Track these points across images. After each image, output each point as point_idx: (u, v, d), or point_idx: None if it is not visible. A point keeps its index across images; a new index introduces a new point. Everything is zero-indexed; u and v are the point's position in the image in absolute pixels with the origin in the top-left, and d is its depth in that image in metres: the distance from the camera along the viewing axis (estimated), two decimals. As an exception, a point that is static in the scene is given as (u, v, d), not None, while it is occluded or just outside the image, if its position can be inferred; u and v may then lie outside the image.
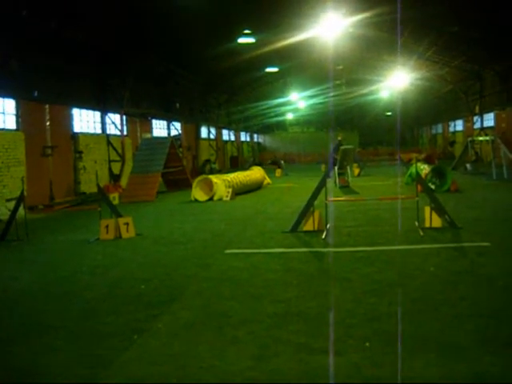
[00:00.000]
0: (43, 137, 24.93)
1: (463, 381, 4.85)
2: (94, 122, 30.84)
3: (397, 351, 5.49)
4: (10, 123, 22.78)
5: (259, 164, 44.24)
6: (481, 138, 35.83)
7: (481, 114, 49.17)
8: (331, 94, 60.40)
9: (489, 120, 48.10)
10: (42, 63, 23.98)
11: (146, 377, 5.24)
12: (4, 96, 22.19)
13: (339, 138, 35.12)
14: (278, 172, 39.23)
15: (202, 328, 6.50)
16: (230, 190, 22.50)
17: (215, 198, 22.29)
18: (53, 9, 22.42)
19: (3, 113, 22.35)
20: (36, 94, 24.16)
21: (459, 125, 58.05)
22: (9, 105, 22.71)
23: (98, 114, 31.11)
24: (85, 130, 29.42)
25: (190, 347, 5.91)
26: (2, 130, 21.85)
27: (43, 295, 8.52)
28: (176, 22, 27.74)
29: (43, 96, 24.68)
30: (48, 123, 25.22)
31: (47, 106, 25.19)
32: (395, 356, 5.37)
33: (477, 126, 49.95)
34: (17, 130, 22.94)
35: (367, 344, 5.74)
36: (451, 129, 61.37)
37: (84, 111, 29.55)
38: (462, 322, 6.31)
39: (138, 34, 28.41)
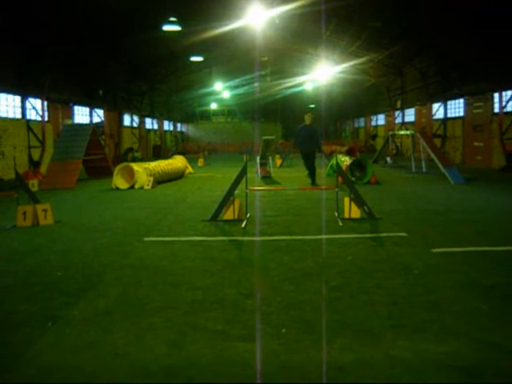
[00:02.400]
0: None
1: (377, 364, 4.95)
2: (14, 107, 30.16)
3: (313, 337, 5.57)
4: None
5: (182, 153, 44.09)
6: (401, 133, 36.54)
7: (402, 109, 50.19)
8: (256, 85, 60.66)
9: (410, 115, 49.13)
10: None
11: (60, 365, 5.14)
12: None
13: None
14: (201, 162, 39.20)
15: (118, 315, 6.43)
16: (152, 178, 22.36)
17: (136, 186, 22.12)
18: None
19: None
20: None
21: (381, 119, 59.13)
22: None
23: (18, 98, 30.45)
24: (3, 115, 28.76)
25: (105, 335, 5.83)
26: None
27: (-45, 281, 8.30)
28: (99, 6, 27.36)
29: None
30: (-36, 106, 24.61)
31: (-36, 89, 24.58)
32: (311, 342, 5.45)
33: (398, 120, 50.98)
34: None
35: (283, 330, 5.78)
36: (373, 123, 62.48)
37: (3, 95, 28.87)
38: (377, 309, 6.44)
39: (60, 18, 27.92)
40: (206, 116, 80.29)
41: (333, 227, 11.93)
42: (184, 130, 79.73)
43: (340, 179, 13.89)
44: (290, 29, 38.70)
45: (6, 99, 29.34)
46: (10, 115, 29.63)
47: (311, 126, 21.77)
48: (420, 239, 10.48)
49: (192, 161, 34.32)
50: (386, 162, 34.36)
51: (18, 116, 30.50)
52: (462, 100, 37.48)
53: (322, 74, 52.46)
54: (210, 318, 6.23)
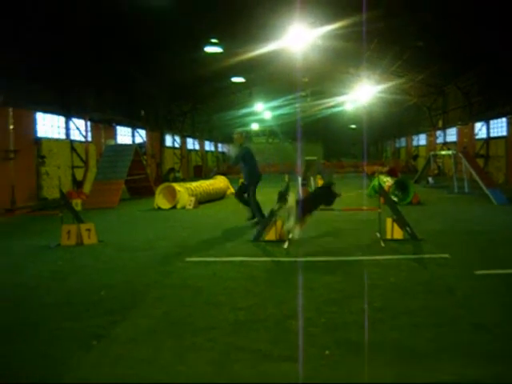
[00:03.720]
0: (6, 141, 24.66)
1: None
2: (58, 127, 30.58)
3: (356, 359, 5.54)
4: (-28, 127, 22.57)
5: (223, 174, 44.22)
6: (443, 153, 36.19)
7: (444, 129, 49.77)
8: (296, 106, 60.69)
9: (452, 135, 48.65)
10: (7, 67, 23.74)
11: (106, 380, 5.21)
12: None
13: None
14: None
15: (161, 335, 6.47)
16: (193, 198, 22.45)
17: (178, 206, 22.23)
18: (16, 13, 22.30)
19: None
20: (1, 98, 23.91)
21: (422, 139, 58.65)
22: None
23: (62, 119, 30.86)
24: (48, 135, 29.17)
25: (149, 353, 5.87)
26: (-36, 133, 21.63)
27: (1, 299, 8.41)
28: (143, 29, 27.70)
29: (6, 100, 24.42)
30: (11, 127, 24.96)
31: (11, 110, 24.92)
32: (355, 363, 5.42)
33: (439, 140, 50.54)
34: (-21, 133, 22.74)
35: (327, 352, 5.76)
36: (414, 143, 62.01)
37: (48, 116, 29.29)
38: (420, 331, 6.38)
39: (104, 40, 28.33)
40: (247, 136, 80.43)
41: (375, 248, 11.86)
42: (225, 150, 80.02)
43: (382, 200, 13.82)
44: (331, 49, 38.71)
45: (51, 120, 29.75)
46: (55, 135, 30.03)
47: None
48: (463, 261, 10.36)
49: (233, 181, 34.34)
50: (427, 182, 34.05)
51: (62, 136, 30.89)
52: (504, 119, 37.05)
53: (363, 93, 52.35)
54: (252, 339, 6.23)
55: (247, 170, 16.76)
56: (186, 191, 22.73)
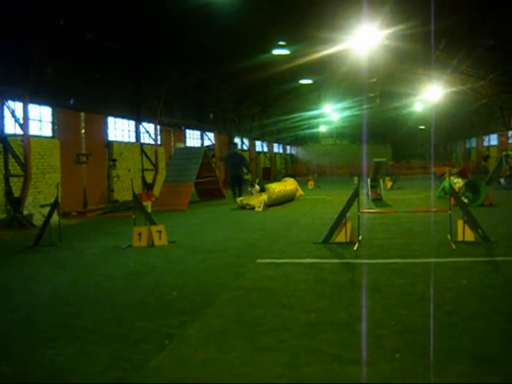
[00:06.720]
0: (78, 144, 25.21)
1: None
2: (129, 131, 31.11)
3: (428, 363, 5.47)
4: (46, 130, 23.11)
5: (292, 176, 44.25)
6: (516, 153, 35.53)
7: (516, 129, 48.79)
8: (364, 107, 60.29)
9: (524, 135, 47.68)
10: (78, 72, 24.23)
11: (179, 380, 5.28)
12: (41, 103, 22.50)
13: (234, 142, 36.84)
14: (311, 184, 39.23)
15: (233, 335, 6.52)
16: (263, 200, 22.54)
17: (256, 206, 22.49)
18: (90, 19, 22.74)
19: (40, 120, 22.67)
20: (72, 102, 24.42)
21: (494, 139, 57.57)
22: (45, 112, 23.03)
23: (132, 122, 31.40)
24: (119, 139, 29.70)
25: (221, 354, 5.92)
26: (39, 137, 22.14)
27: (76, 299, 8.60)
28: (211, 33, 27.92)
29: (79, 104, 24.95)
30: (83, 131, 25.49)
31: (83, 114, 25.46)
32: (426, 368, 5.35)
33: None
34: (52, 137, 23.27)
35: (398, 355, 5.71)
36: (485, 143, 60.89)
37: (119, 120, 29.84)
38: (495, 336, 6.24)
39: (173, 45, 28.67)
40: (315, 138, 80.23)
41: (446, 250, 11.71)
42: (293, 152, 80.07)
43: (452, 201, 13.65)
44: (399, 49, 38.34)
45: (122, 124, 30.25)
46: (125, 139, 30.53)
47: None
48: (538, 264, 10.18)
49: (302, 183, 34.37)
50: (499, 183, 33.44)
51: (132, 140, 31.41)
52: None
53: (432, 94, 51.75)
54: (323, 341, 6.22)
55: None
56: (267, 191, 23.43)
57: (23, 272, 11.14)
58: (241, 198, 24.19)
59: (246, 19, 27.10)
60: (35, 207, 20.83)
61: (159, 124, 33.38)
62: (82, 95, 24.98)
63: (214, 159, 38.96)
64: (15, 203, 19.77)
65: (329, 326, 6.76)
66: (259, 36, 31.28)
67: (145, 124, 32.19)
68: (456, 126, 70.69)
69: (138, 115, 31.28)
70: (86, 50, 24.57)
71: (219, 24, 26.31)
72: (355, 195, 13.02)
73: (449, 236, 12.79)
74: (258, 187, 27.32)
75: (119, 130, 29.97)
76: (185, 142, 39.09)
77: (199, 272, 10.26)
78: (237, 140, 50.47)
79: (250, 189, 27.68)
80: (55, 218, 14.94)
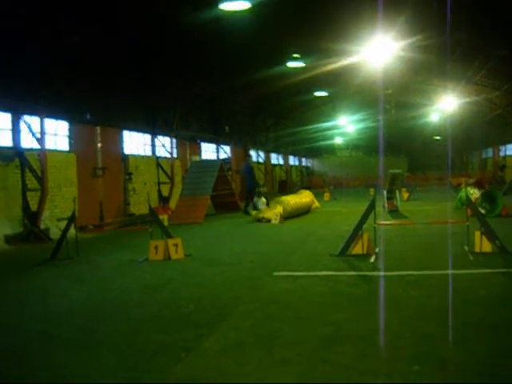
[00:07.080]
0: (94, 158, 25.28)
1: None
2: (144, 145, 31.19)
3: (446, 375, 5.45)
4: (63, 144, 23.20)
5: (308, 188, 44.21)
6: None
7: (532, 139, 48.56)
8: (380, 119, 60.19)
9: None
10: (94, 86, 24.34)
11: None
12: (57, 118, 22.60)
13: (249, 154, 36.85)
14: (327, 196, 39.17)
15: (250, 348, 6.52)
16: (279, 213, 22.51)
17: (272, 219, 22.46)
18: (106, 35, 22.89)
19: (56, 134, 22.77)
20: (88, 116, 24.53)
21: (510, 149, 57.24)
22: (62, 127, 23.14)
23: (148, 136, 31.47)
24: (135, 152, 29.77)
25: (238, 366, 5.93)
26: (55, 151, 22.24)
27: (93, 312, 8.65)
28: (225, 46, 28.00)
29: (95, 118, 25.06)
30: (99, 145, 25.56)
31: (98, 128, 25.53)
32: (444, 380, 5.32)
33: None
34: (69, 151, 23.36)
35: (416, 367, 5.68)
36: (502, 153, 60.55)
37: (134, 133, 29.91)
38: (513, 348, 6.22)
39: (188, 58, 28.76)
40: (331, 150, 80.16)
41: (463, 261, 11.64)
42: (309, 164, 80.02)
43: (469, 212, 13.58)
44: (414, 60, 38.29)
45: (137, 137, 30.33)
46: (141, 152, 30.63)
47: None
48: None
49: (318, 195, 34.33)
50: (516, 193, 33.30)
51: (148, 153, 31.49)
52: None
53: (447, 104, 51.65)
54: (339, 353, 6.21)
55: None
56: (282, 205, 23.25)
57: (40, 285, 11.20)
58: (255, 212, 24.21)
59: (261, 32, 27.14)
60: (52, 221, 20.92)
61: (175, 137, 33.48)
62: (97, 109, 25.04)
63: (229, 172, 39.02)
64: (32, 217, 19.86)
65: (346, 338, 6.75)
66: (273, 49, 31.32)
67: (160, 137, 32.28)
68: (471, 136, 70.35)
69: (153, 129, 31.36)
70: (102, 65, 24.66)
71: (232, 39, 26.37)
72: (371, 207, 13.00)
73: (466, 247, 12.74)
74: (264, 199, 27.29)
75: (135, 143, 30.06)
76: (200, 155, 39.14)
77: (215, 285, 10.27)
78: (252, 152, 50.53)
79: (255, 200, 27.57)
80: (72, 231, 14.99)
